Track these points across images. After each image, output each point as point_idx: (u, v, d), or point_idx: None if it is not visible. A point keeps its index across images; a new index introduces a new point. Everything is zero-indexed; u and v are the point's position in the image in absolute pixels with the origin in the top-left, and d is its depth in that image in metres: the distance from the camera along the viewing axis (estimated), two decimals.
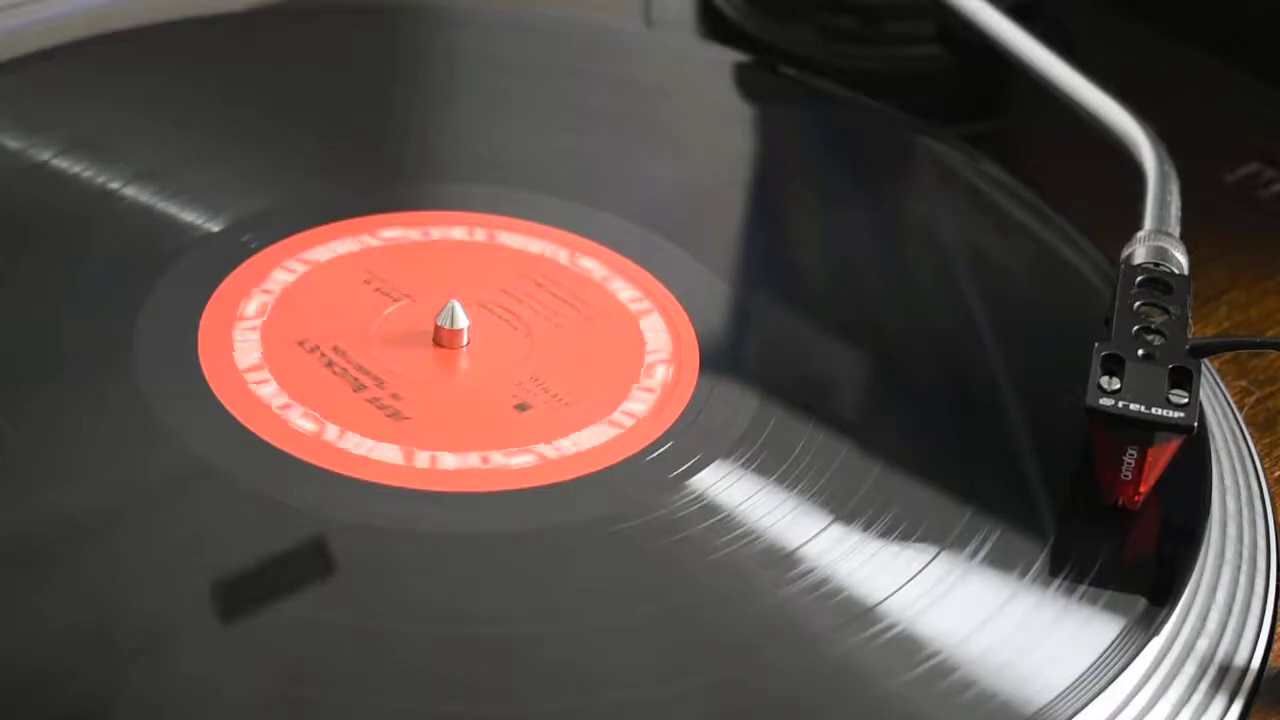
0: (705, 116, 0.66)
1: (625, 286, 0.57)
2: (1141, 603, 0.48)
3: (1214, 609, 0.50)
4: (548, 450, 0.51)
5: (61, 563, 0.46)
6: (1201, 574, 0.50)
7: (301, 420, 0.51)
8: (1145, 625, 0.48)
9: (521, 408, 0.52)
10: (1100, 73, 0.63)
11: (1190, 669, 0.48)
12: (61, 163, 0.58)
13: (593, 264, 0.57)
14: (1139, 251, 0.54)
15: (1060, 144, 0.68)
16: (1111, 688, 0.46)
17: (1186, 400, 0.50)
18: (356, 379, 0.52)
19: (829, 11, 0.70)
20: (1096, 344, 0.51)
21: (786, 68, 0.68)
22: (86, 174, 0.58)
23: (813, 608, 0.47)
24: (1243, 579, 0.51)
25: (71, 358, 0.52)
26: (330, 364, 0.53)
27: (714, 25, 0.73)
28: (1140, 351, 0.51)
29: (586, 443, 0.51)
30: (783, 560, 0.48)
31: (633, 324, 0.55)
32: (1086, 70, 0.63)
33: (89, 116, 0.61)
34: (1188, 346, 0.51)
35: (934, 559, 0.49)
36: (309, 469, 0.49)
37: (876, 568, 0.48)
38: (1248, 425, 0.57)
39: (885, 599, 0.48)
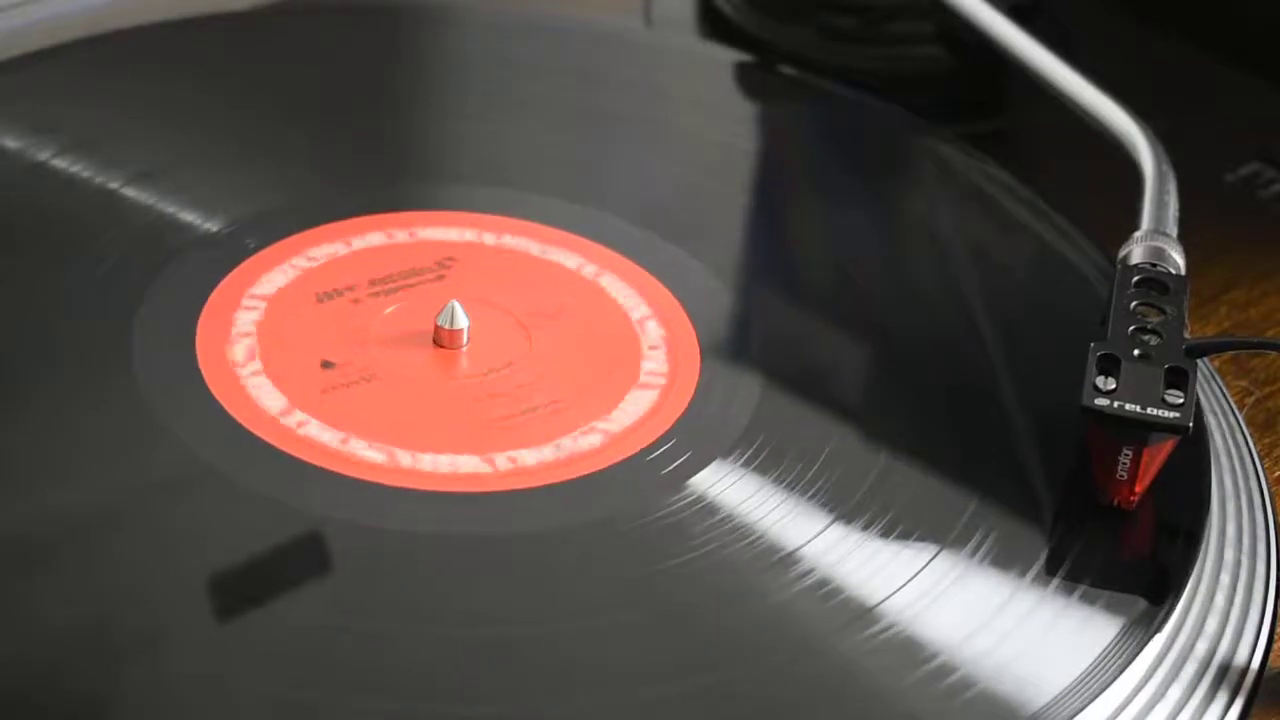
0: (705, 116, 0.66)
1: (623, 286, 0.57)
2: (1141, 603, 0.48)
3: (1214, 609, 0.50)
4: (548, 451, 0.51)
5: (60, 563, 0.46)
6: (1201, 574, 0.50)
7: (304, 424, 0.51)
8: (1145, 625, 0.48)
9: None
10: (1100, 73, 0.63)
11: (1190, 669, 0.48)
12: (61, 163, 0.58)
13: (590, 263, 0.57)
14: (1136, 251, 0.54)
15: (1060, 144, 0.67)
16: (1111, 688, 0.46)
17: (1182, 400, 0.50)
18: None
19: (829, 11, 0.70)
20: (1093, 344, 0.51)
21: (786, 68, 0.68)
22: (86, 174, 0.58)
23: (813, 608, 0.47)
24: (1242, 579, 0.51)
25: (71, 358, 0.52)
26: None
27: (714, 25, 0.73)
28: (1136, 352, 0.51)
29: (586, 444, 0.51)
30: (782, 560, 0.48)
31: (630, 324, 0.55)
32: (1086, 70, 0.63)
33: (89, 116, 0.61)
34: (1184, 347, 0.51)
35: (933, 559, 0.49)
36: (309, 469, 0.50)
37: (876, 568, 0.48)
38: (1248, 425, 0.57)
39: (885, 599, 0.48)
